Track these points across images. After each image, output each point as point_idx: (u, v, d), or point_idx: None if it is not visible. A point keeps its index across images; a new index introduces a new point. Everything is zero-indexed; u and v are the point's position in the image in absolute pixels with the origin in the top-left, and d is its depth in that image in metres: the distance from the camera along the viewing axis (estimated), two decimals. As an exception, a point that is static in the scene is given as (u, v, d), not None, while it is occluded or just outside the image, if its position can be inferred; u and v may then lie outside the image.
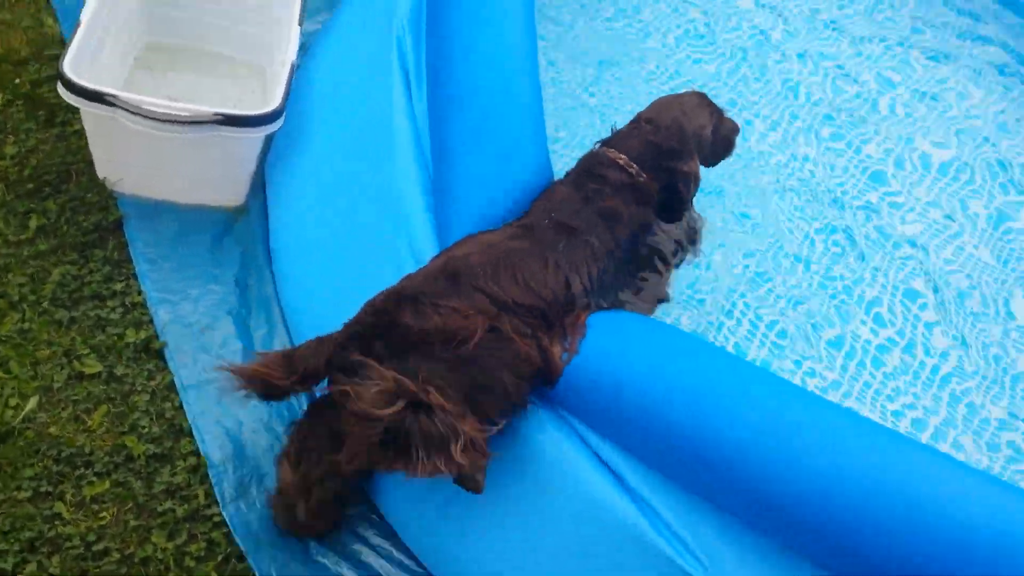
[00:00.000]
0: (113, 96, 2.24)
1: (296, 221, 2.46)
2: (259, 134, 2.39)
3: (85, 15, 2.41)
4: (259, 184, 2.62)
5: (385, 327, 1.69)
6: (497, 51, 2.15)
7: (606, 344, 1.83)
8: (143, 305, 2.32)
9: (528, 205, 2.01)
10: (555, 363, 1.75)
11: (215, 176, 2.52)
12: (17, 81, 2.64)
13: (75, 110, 2.61)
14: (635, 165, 1.99)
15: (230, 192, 2.58)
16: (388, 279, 1.85)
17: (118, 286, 2.33)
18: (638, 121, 2.09)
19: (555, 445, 1.80)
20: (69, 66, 2.26)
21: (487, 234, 1.90)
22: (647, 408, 1.74)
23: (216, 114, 2.29)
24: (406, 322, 1.68)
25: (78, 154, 2.54)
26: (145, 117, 2.26)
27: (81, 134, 2.55)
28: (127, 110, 2.25)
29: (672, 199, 2.06)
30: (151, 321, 2.29)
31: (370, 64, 2.47)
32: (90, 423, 2.05)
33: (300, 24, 2.63)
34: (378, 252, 2.17)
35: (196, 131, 2.31)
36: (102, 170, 2.50)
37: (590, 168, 2.01)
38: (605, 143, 2.07)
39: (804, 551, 1.68)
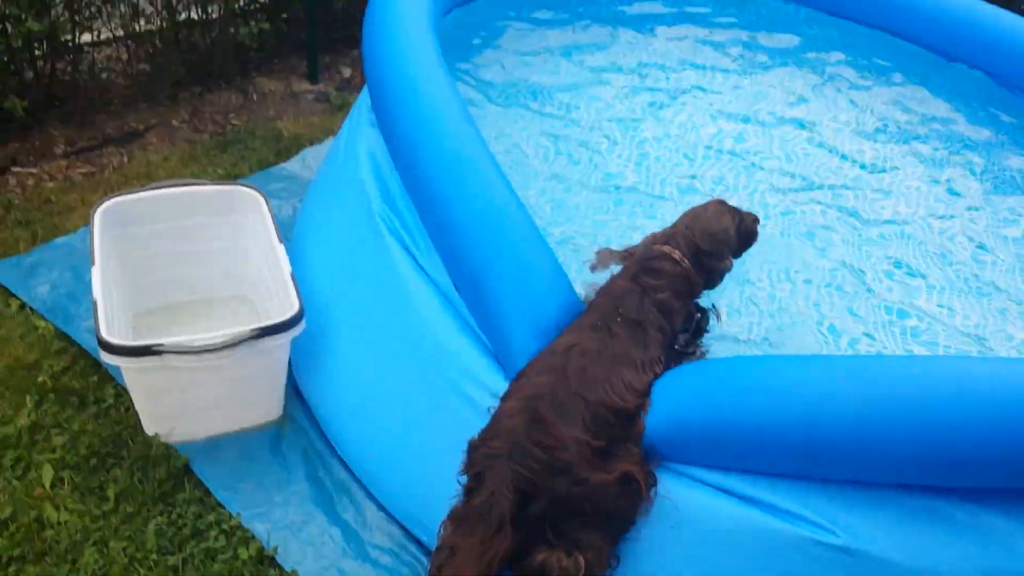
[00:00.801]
0: (159, 345, 2.41)
1: (353, 408, 2.63)
2: (289, 338, 2.58)
3: (95, 291, 2.59)
4: (290, 395, 2.80)
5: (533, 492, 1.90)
6: (483, 190, 2.44)
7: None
8: (240, 526, 2.42)
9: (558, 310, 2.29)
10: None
11: (256, 393, 2.68)
12: (40, 380, 2.76)
13: (103, 387, 2.76)
14: (687, 260, 2.31)
15: (270, 406, 2.74)
16: (464, 423, 2.08)
17: (211, 517, 2.43)
18: (678, 227, 2.42)
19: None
20: (107, 334, 2.42)
21: (566, 342, 2.11)
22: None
23: (253, 330, 2.49)
24: (560, 492, 1.90)
25: (122, 423, 2.65)
26: (193, 353, 2.43)
27: (118, 405, 2.69)
28: (175, 352, 2.42)
29: (709, 285, 2.43)
30: (253, 536, 2.39)
31: (361, 246, 2.73)
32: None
33: (282, 242, 2.88)
34: (445, 403, 2.34)
35: (237, 352, 2.49)
36: (151, 427, 2.62)
37: (648, 262, 2.30)
38: (659, 242, 2.38)
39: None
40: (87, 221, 2.87)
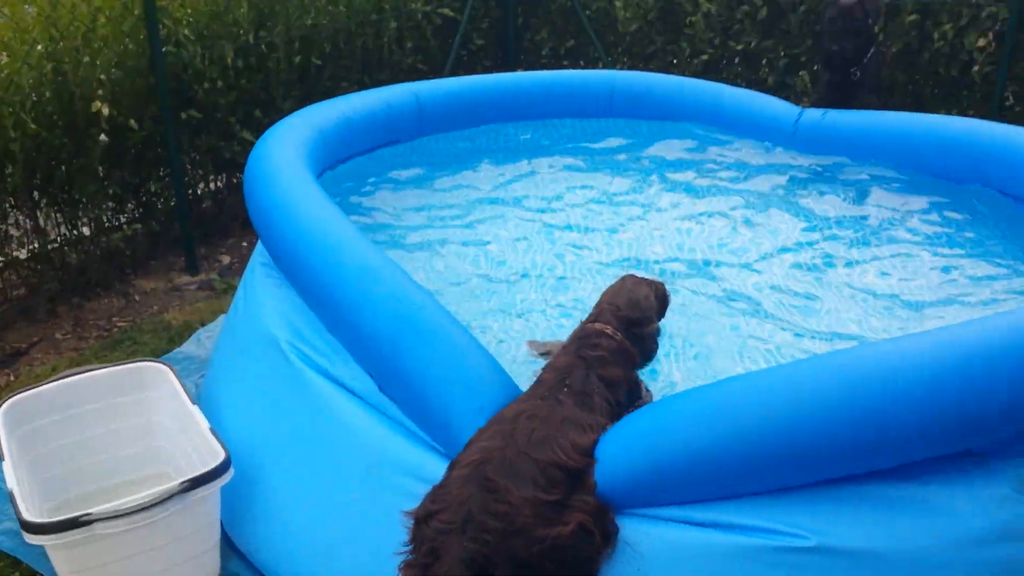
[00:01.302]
0: (86, 515, 2.34)
1: (298, 543, 2.57)
2: (218, 486, 2.54)
3: (10, 482, 2.50)
4: (226, 552, 2.72)
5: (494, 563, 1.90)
6: (395, 290, 2.56)
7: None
8: None
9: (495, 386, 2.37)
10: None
11: (191, 553, 2.58)
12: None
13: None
14: (619, 333, 2.44)
15: (208, 567, 2.65)
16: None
17: None
18: (602, 304, 2.57)
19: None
20: (28, 515, 2.34)
21: (515, 410, 2.17)
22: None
23: (182, 483, 2.45)
24: (520, 555, 1.91)
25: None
26: (123, 517, 2.36)
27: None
28: (104, 519, 2.35)
29: (645, 353, 2.55)
30: None
31: (277, 385, 2.77)
32: None
33: (195, 404, 2.87)
34: (396, 509, 2.32)
35: (169, 509, 2.43)
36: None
37: (586, 340, 2.42)
38: (590, 322, 2.51)
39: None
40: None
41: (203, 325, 4.21)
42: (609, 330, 2.47)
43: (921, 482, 2.05)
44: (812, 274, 3.42)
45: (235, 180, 5.43)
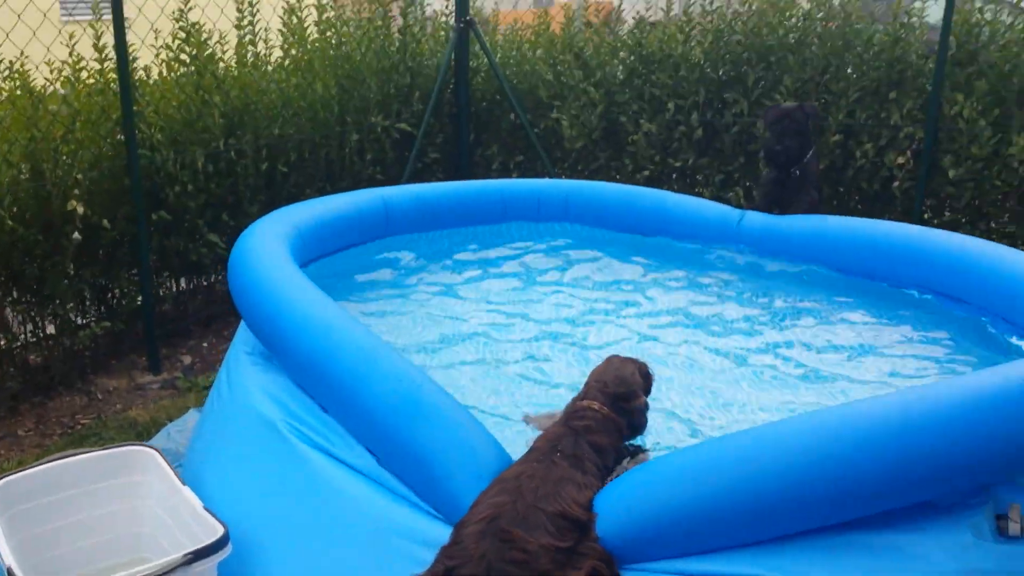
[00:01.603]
0: (89, 586, 2.36)
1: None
2: (219, 559, 2.58)
3: (8, 560, 2.51)
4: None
5: None
6: (392, 369, 2.70)
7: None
8: None
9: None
10: None
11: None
12: None
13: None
14: (606, 407, 2.60)
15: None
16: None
17: None
18: (590, 383, 2.72)
19: None
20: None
21: (515, 471, 2.32)
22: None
23: (185, 555, 2.49)
24: None
25: None
26: (128, 587, 2.39)
27: None
28: (109, 591, 2.37)
29: (634, 425, 2.70)
30: None
31: (270, 462, 2.84)
32: None
33: (185, 485, 2.92)
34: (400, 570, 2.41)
35: (172, 580, 2.47)
36: None
37: (575, 414, 2.58)
38: (579, 399, 2.66)
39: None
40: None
41: (171, 420, 4.23)
42: (596, 405, 2.65)
43: (896, 530, 2.24)
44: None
45: (196, 282, 5.53)
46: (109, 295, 4.92)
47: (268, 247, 3.54)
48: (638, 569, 2.24)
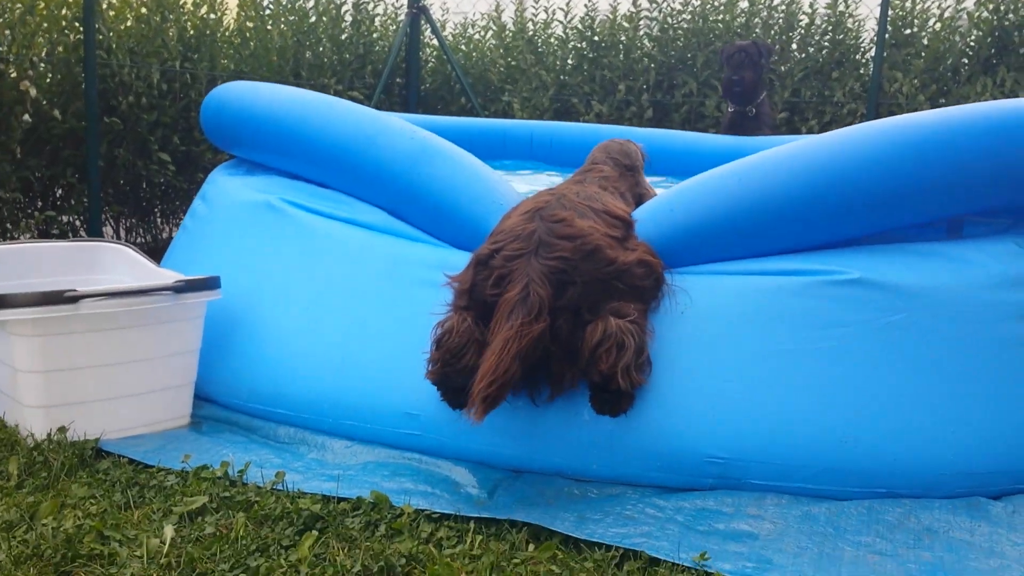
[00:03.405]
0: (72, 291, 2.12)
1: (294, 363, 2.44)
2: (209, 298, 2.38)
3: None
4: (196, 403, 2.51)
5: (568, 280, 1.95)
6: (397, 129, 2.63)
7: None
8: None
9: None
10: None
11: (169, 378, 2.36)
12: None
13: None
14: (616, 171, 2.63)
15: (179, 405, 2.43)
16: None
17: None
18: (595, 155, 2.75)
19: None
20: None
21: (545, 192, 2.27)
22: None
23: (177, 281, 2.29)
24: (593, 274, 1.96)
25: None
26: (113, 297, 2.16)
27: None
28: (93, 296, 2.14)
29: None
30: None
31: (261, 231, 2.73)
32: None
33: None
34: (408, 296, 2.34)
35: (158, 306, 2.25)
36: (44, 426, 2.19)
37: (589, 171, 2.61)
38: (586, 170, 2.65)
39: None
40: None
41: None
42: (606, 169, 2.61)
43: (939, 241, 2.25)
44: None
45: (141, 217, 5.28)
46: (55, 194, 4.64)
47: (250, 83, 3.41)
48: (679, 272, 2.18)
